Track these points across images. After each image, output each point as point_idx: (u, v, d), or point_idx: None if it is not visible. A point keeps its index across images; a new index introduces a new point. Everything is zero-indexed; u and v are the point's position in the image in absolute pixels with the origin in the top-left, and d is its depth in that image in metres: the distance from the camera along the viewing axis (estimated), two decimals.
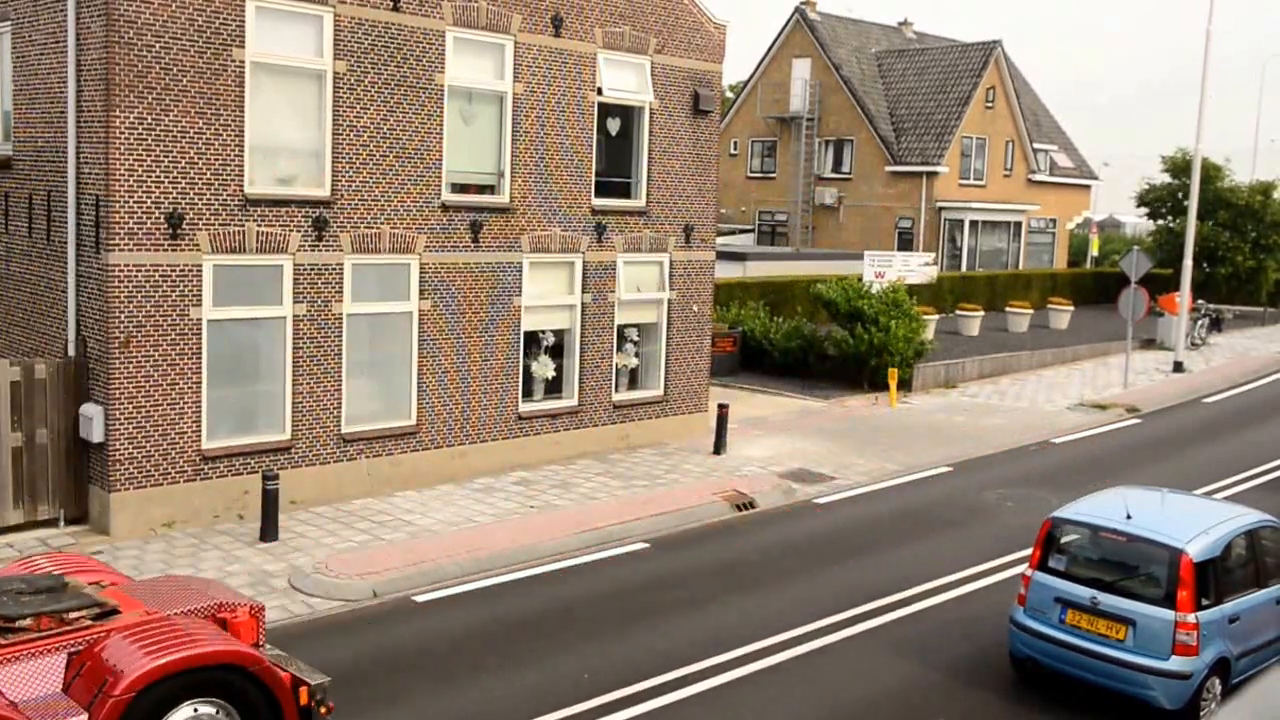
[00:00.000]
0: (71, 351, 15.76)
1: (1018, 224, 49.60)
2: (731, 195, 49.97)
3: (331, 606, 13.38)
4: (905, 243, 45.40)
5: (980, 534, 17.07)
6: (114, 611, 9.04)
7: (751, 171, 51.02)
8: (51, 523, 15.58)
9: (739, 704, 11.26)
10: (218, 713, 8.69)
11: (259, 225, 16.13)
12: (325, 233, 16.83)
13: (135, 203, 15.04)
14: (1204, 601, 10.91)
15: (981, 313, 36.45)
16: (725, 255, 32.37)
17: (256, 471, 16.33)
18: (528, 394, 19.98)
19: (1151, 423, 25.87)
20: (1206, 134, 32.47)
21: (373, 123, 17.21)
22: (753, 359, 29.41)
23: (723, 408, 21.50)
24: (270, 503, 15.30)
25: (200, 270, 15.65)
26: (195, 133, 15.41)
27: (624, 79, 20.56)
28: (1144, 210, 48.66)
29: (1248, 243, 44.78)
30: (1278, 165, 57.38)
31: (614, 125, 20.76)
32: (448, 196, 18.29)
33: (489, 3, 18.41)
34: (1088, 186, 54.42)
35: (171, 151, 15.24)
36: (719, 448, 21.17)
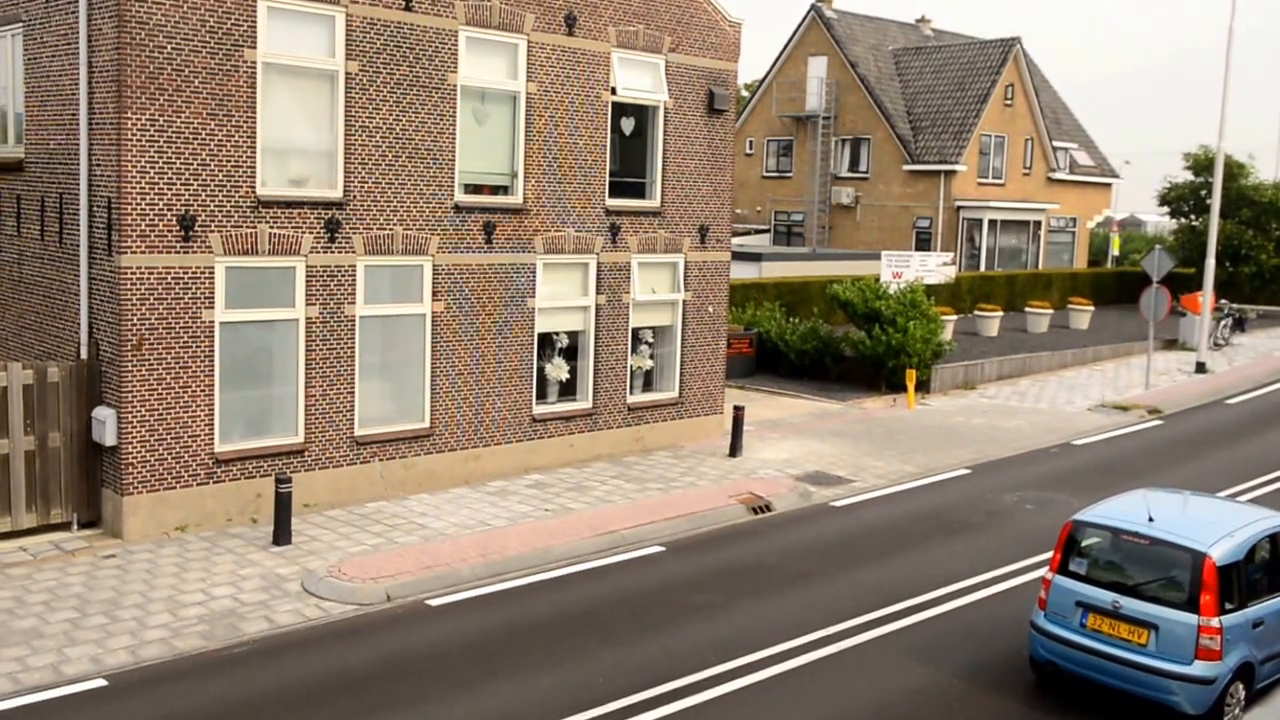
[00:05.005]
0: (84, 354, 15.72)
1: (1037, 223, 49.26)
2: (747, 195, 49.82)
3: (345, 610, 13.30)
4: (923, 242, 45.14)
5: (999, 537, 16.88)
6: None
7: (767, 171, 50.83)
8: (64, 526, 15.56)
9: (755, 709, 11.13)
10: None
11: (271, 227, 16.08)
12: (338, 234, 16.76)
13: (147, 205, 15.00)
14: (1227, 605, 10.74)
15: (1001, 313, 36.20)
16: (741, 256, 32.24)
17: (269, 474, 16.27)
18: (542, 396, 19.88)
19: (1174, 424, 25.59)
20: (1229, 131, 32.13)
21: (385, 123, 17.13)
22: (769, 361, 29.24)
23: (738, 410, 21.34)
24: (283, 506, 15.23)
25: (213, 272, 15.60)
26: (207, 134, 15.37)
27: (638, 78, 20.43)
28: (1166, 209, 48.26)
29: (1272, 241, 44.37)
30: None
31: (628, 125, 20.64)
32: (461, 197, 18.20)
33: (502, 2, 18.32)
34: (1108, 185, 53.98)
35: (183, 153, 15.20)
36: (735, 450, 21.01)
